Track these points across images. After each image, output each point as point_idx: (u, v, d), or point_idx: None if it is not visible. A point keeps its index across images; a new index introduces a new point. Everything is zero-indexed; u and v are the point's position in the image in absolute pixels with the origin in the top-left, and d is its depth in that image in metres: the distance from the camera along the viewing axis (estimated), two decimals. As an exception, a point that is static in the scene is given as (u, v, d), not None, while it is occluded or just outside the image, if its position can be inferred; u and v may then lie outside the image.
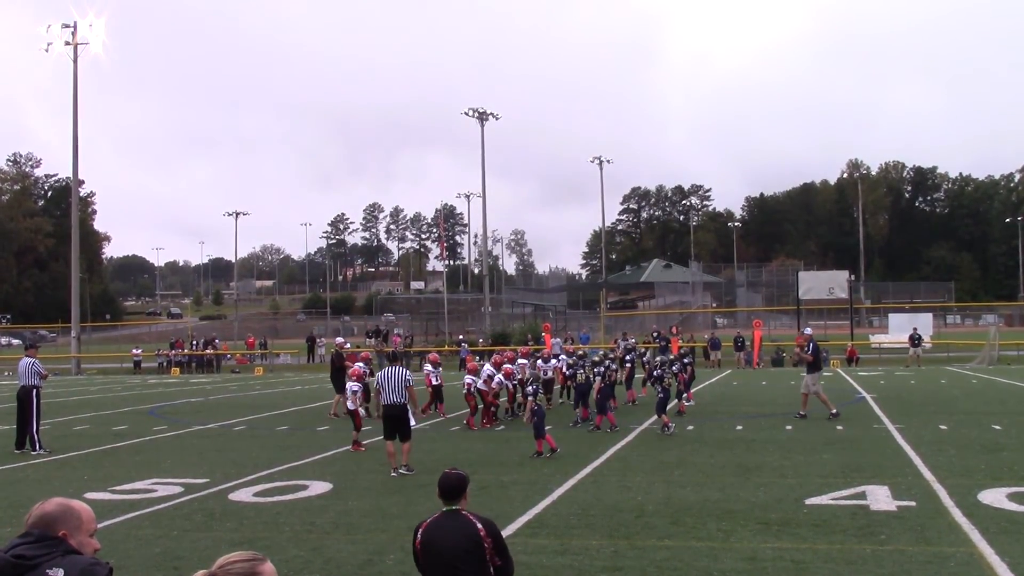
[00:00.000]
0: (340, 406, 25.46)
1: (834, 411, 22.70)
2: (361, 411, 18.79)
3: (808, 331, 25.91)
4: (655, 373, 22.06)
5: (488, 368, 23.46)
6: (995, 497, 12.50)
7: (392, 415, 15.54)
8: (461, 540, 5.99)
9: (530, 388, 18.64)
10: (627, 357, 28.49)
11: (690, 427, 21.50)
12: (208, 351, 63.35)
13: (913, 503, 12.22)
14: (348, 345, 66.70)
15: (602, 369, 21.70)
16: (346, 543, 10.72)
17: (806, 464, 15.78)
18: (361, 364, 27.36)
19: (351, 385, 19.01)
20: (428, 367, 27.63)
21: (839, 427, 20.98)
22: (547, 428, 17.59)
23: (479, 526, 6.06)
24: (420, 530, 6.20)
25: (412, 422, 15.90)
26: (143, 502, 13.55)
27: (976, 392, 30.60)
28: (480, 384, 22.77)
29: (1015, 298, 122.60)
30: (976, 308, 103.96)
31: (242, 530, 11.55)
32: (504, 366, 24.19)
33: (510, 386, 24.13)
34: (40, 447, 19.58)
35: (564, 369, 26.29)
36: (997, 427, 20.41)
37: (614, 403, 23.00)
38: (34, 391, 19.99)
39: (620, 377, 27.94)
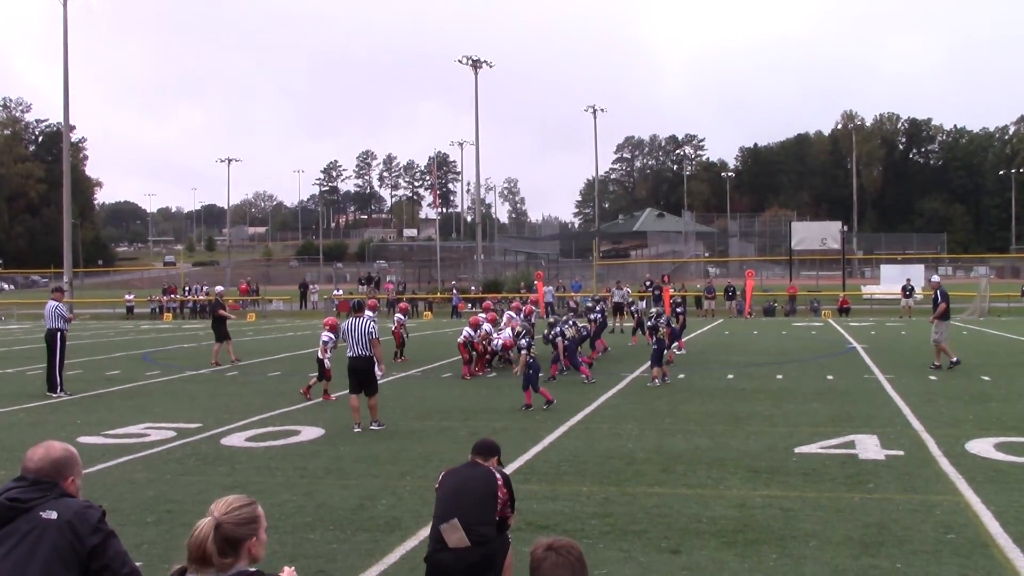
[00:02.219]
0: (222, 354, 25.71)
1: (955, 359, 22.19)
2: (327, 362, 18.60)
3: (936, 279, 25.36)
4: (649, 324, 22.00)
5: (486, 326, 23.31)
6: (982, 447, 12.59)
7: (357, 368, 14.92)
8: (478, 485, 6.56)
9: (524, 341, 18.50)
10: (598, 308, 27.73)
11: (681, 376, 21.57)
12: (203, 297, 63.35)
13: (901, 452, 12.31)
14: (340, 292, 66.98)
15: (561, 329, 21.53)
16: (338, 488, 10.79)
17: (796, 413, 15.87)
18: (401, 315, 27.56)
19: (323, 335, 18.93)
20: (399, 316, 27.62)
21: (830, 377, 21.08)
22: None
23: (498, 477, 6.63)
24: (443, 472, 6.77)
25: (378, 375, 15.38)
26: (136, 446, 13.61)
27: (966, 344, 30.71)
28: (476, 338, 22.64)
29: (1007, 250, 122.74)
30: (968, 260, 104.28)
31: (235, 475, 11.60)
32: (490, 312, 24.47)
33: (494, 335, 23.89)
34: (61, 389, 19.71)
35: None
36: (986, 378, 20.52)
37: (584, 359, 22.93)
38: (58, 334, 20.12)
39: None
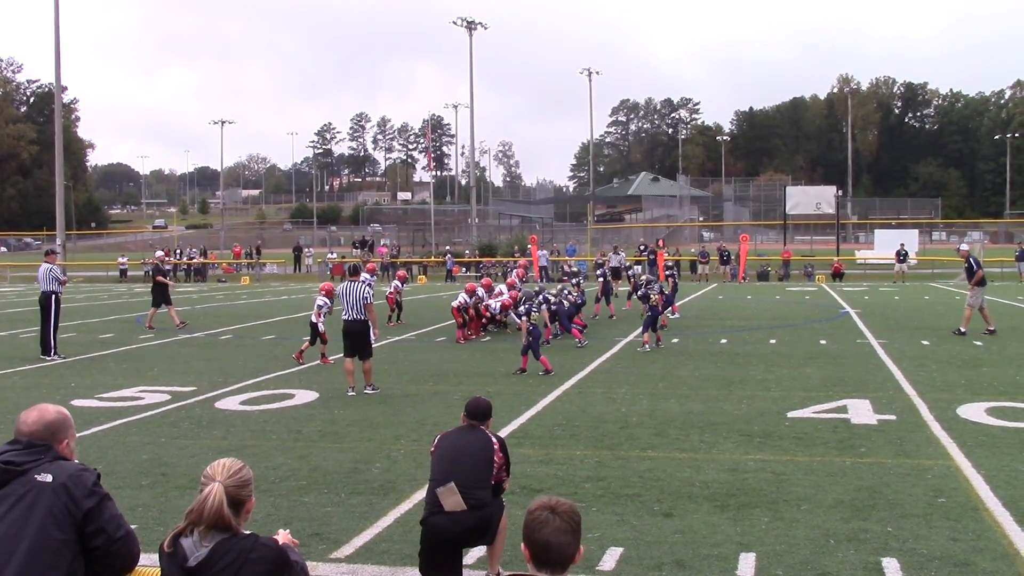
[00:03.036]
0: (159, 318, 25.80)
1: (991, 328, 22.29)
2: (321, 326, 18.62)
3: (965, 247, 25.23)
4: (639, 292, 22.02)
5: (481, 292, 23.36)
6: (974, 412, 12.66)
7: (352, 332, 14.81)
8: (475, 449, 6.58)
9: (523, 308, 18.50)
10: (598, 272, 27.80)
11: (675, 340, 21.62)
12: (196, 260, 63.29)
13: (893, 417, 12.37)
14: (335, 255, 66.88)
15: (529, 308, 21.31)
16: (332, 451, 10.82)
17: (789, 378, 15.92)
18: (398, 283, 27.51)
19: (318, 300, 18.95)
20: (396, 283, 27.57)
21: (822, 341, 21.14)
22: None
23: (494, 441, 6.67)
24: (439, 435, 6.79)
25: (373, 339, 15.18)
26: (130, 409, 13.62)
27: (959, 308, 30.69)
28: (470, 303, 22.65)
29: (1001, 215, 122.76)
30: (962, 225, 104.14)
31: (229, 438, 11.63)
32: (484, 278, 24.54)
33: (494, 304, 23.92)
34: (55, 352, 19.68)
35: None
36: (978, 343, 20.60)
37: (578, 322, 23.01)
38: (52, 297, 20.13)
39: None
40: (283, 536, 4.21)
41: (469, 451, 6.50)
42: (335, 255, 67.34)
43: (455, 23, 79.05)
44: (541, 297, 21.09)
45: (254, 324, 27.09)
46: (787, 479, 9.35)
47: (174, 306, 26.48)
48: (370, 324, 14.99)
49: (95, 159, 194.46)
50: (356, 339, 14.86)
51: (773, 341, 21.39)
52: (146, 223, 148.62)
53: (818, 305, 32.78)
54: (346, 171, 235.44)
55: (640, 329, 21.10)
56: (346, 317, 14.98)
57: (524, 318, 17.76)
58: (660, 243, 54.93)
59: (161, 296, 26.05)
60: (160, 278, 26.54)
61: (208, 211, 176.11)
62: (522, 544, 3.50)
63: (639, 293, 21.90)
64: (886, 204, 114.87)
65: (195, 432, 12.05)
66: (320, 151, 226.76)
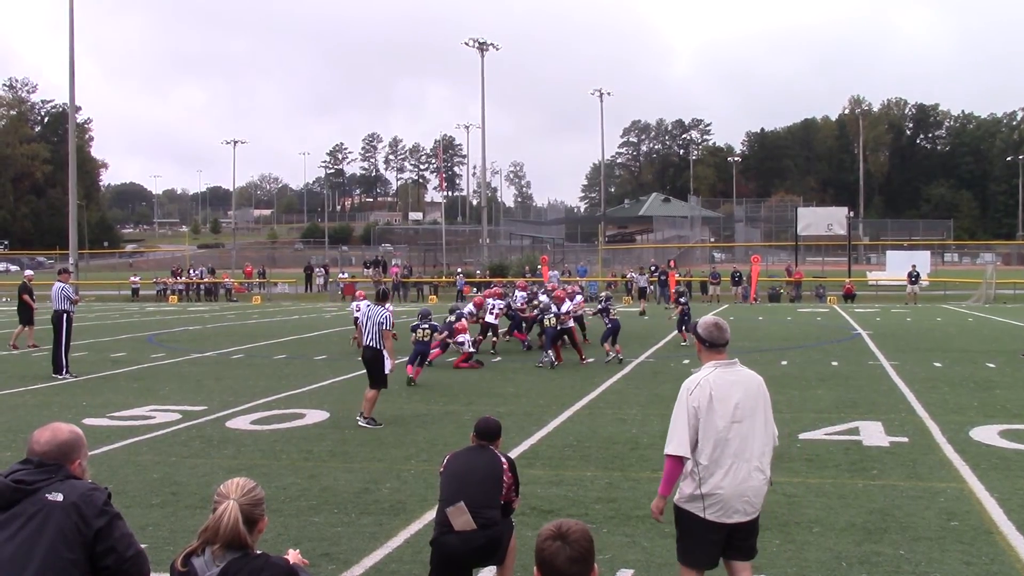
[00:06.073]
0: (21, 338, 25.96)
1: None
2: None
3: None
4: (600, 307, 22.42)
5: (490, 303, 23.79)
6: (987, 434, 12.59)
7: (365, 359, 14.27)
8: (484, 468, 6.59)
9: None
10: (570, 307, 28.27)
11: (685, 361, 21.58)
12: (207, 279, 63.46)
13: (906, 439, 12.31)
14: (346, 275, 66.96)
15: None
16: (342, 472, 10.81)
17: (800, 399, 15.87)
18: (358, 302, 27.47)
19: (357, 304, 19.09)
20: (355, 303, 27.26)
21: (834, 363, 21.07)
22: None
23: (503, 461, 6.70)
24: (448, 456, 6.79)
25: (387, 369, 14.20)
26: (141, 428, 13.64)
27: (971, 330, 30.69)
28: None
29: (1013, 237, 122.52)
30: (974, 246, 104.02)
31: (240, 457, 11.63)
32: (476, 298, 24.94)
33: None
34: (67, 371, 19.75)
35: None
36: (991, 365, 20.50)
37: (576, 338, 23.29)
38: (64, 315, 20.26)
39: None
40: (293, 556, 4.22)
41: (478, 470, 6.51)
42: (346, 275, 67.50)
43: (467, 44, 79.28)
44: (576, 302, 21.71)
45: (265, 343, 27.12)
46: (798, 501, 9.30)
47: (34, 327, 26.40)
48: (384, 353, 14.15)
49: (108, 178, 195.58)
50: (368, 366, 14.24)
51: (784, 362, 21.33)
52: (159, 242, 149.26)
53: (829, 326, 32.68)
54: (358, 191, 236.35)
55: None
56: (363, 343, 14.48)
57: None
58: (672, 264, 54.93)
59: (26, 315, 26.05)
60: (25, 296, 26.31)
61: (220, 231, 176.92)
62: (535, 569, 3.48)
63: (600, 307, 22.44)
64: (898, 225, 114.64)
65: (206, 451, 12.06)
66: (332, 171, 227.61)
